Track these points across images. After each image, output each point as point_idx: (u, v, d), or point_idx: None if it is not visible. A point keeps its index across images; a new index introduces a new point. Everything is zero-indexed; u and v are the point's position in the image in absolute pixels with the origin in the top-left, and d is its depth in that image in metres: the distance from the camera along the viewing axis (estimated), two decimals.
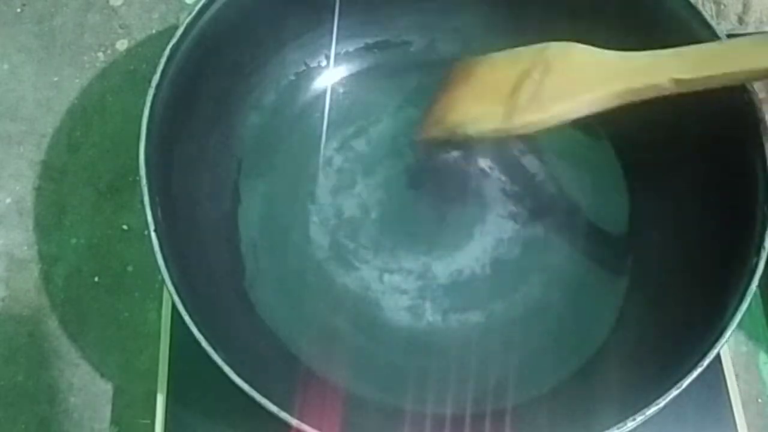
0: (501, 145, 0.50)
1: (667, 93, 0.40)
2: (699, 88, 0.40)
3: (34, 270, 0.52)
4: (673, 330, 0.42)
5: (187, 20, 0.44)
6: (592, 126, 0.51)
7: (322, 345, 0.46)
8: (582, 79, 0.43)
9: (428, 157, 0.50)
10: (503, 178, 0.50)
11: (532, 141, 0.51)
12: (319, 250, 0.48)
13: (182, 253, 0.41)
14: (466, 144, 0.49)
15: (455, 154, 0.51)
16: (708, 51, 0.41)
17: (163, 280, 0.38)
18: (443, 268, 0.48)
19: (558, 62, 0.44)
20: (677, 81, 0.40)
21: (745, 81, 0.41)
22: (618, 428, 0.36)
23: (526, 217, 0.49)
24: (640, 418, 0.36)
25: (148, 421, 0.47)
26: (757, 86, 0.42)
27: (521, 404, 0.44)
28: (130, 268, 0.52)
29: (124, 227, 0.53)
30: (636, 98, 0.41)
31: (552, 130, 0.44)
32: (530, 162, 0.51)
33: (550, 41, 0.45)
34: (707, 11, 0.46)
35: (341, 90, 0.53)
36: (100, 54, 0.59)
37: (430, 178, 0.51)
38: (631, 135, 0.49)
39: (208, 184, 0.47)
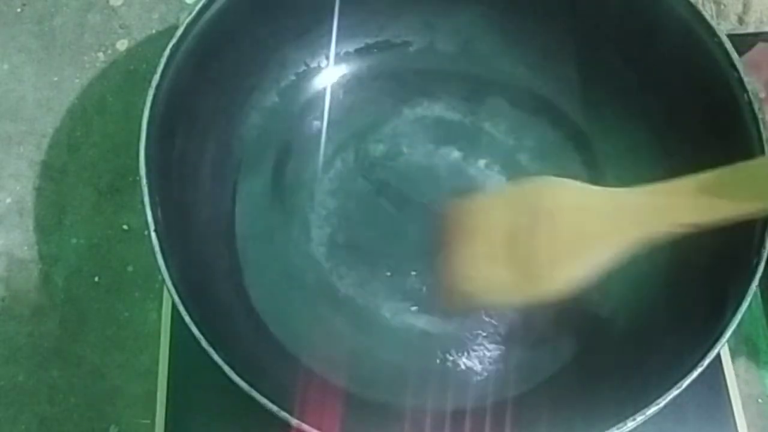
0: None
1: (684, 233, 0.36)
2: (724, 224, 0.36)
3: (34, 270, 0.52)
4: (673, 330, 0.42)
5: (187, 20, 0.44)
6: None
7: (322, 345, 0.46)
8: (582, 230, 0.38)
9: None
10: (503, 178, 0.50)
11: None
12: (319, 250, 0.48)
13: (182, 253, 0.41)
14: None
15: (455, 154, 0.51)
16: (727, 178, 0.36)
17: (163, 280, 0.38)
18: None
19: (550, 208, 0.39)
20: (693, 225, 0.36)
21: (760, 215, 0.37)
22: (618, 428, 0.36)
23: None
24: (640, 418, 0.36)
25: (148, 421, 0.47)
26: (758, 86, 0.42)
27: (521, 404, 0.44)
28: (130, 268, 0.52)
29: (124, 227, 0.53)
30: (649, 244, 0.37)
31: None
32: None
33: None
34: (707, 11, 0.46)
35: (341, 90, 0.53)
36: (100, 54, 0.59)
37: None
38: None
39: (208, 184, 0.47)
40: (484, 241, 0.41)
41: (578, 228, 0.38)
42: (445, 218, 0.43)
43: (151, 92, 0.42)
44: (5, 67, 0.59)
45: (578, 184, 0.40)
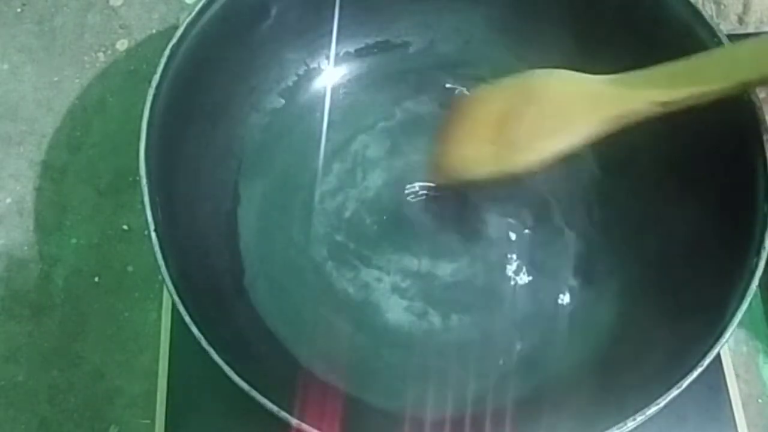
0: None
1: (657, 114, 0.40)
2: (690, 104, 0.40)
3: (34, 270, 0.52)
4: (673, 330, 0.42)
5: (187, 20, 0.44)
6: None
7: (322, 345, 0.46)
8: (566, 111, 0.43)
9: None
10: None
11: None
12: (319, 250, 0.48)
13: (182, 253, 0.41)
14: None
15: None
16: (694, 65, 0.40)
17: (163, 280, 0.38)
18: (443, 268, 0.48)
19: (540, 93, 0.44)
20: (664, 103, 0.40)
21: (741, 91, 0.40)
22: (618, 428, 0.36)
23: (528, 219, 0.49)
24: (640, 418, 0.36)
25: (148, 421, 0.47)
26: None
27: (521, 404, 0.44)
28: (130, 268, 0.52)
29: (124, 227, 0.53)
30: (625, 124, 0.41)
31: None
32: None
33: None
34: (707, 11, 0.46)
35: (341, 90, 0.53)
36: (101, 54, 0.59)
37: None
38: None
39: (208, 184, 0.47)
40: (477, 123, 0.45)
41: (561, 108, 0.43)
42: (448, 109, 0.48)
43: (151, 92, 0.42)
44: (5, 67, 0.59)
45: (567, 72, 0.44)
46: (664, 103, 0.40)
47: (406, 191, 0.50)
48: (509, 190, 0.50)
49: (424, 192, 0.50)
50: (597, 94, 0.42)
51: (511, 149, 0.43)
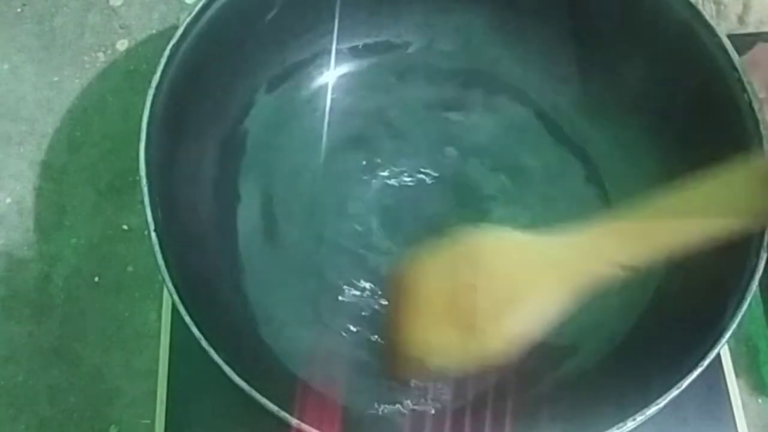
0: None
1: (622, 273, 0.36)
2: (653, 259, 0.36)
3: (34, 270, 0.52)
4: (673, 330, 0.42)
5: (187, 20, 0.44)
6: None
7: (322, 345, 0.46)
8: (520, 283, 0.37)
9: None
10: (505, 179, 0.50)
11: None
12: (319, 250, 0.48)
13: (182, 253, 0.41)
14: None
15: (455, 154, 0.51)
16: (646, 220, 0.36)
17: (163, 280, 0.38)
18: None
19: (485, 263, 0.38)
20: (621, 264, 0.36)
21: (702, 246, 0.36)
22: (618, 428, 0.36)
23: (529, 220, 0.49)
24: (640, 418, 0.36)
25: (148, 421, 0.47)
26: (757, 86, 0.42)
27: (521, 404, 0.44)
28: (130, 268, 0.52)
29: (124, 227, 0.53)
30: (590, 287, 0.37)
31: None
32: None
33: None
34: (707, 11, 0.46)
35: (341, 90, 0.53)
36: (101, 54, 0.59)
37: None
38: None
39: (208, 184, 0.47)
40: (427, 303, 0.39)
41: (516, 281, 0.37)
42: (387, 283, 0.42)
43: (151, 92, 0.42)
44: (5, 67, 0.59)
45: (513, 235, 0.39)
46: (633, 267, 0.36)
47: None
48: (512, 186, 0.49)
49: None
50: (551, 260, 0.37)
51: (475, 334, 0.37)
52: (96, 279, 0.52)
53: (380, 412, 0.44)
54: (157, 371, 0.45)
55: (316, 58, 0.53)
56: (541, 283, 0.37)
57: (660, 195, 0.36)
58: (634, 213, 0.37)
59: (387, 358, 0.42)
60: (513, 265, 0.38)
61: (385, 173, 0.50)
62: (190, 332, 0.37)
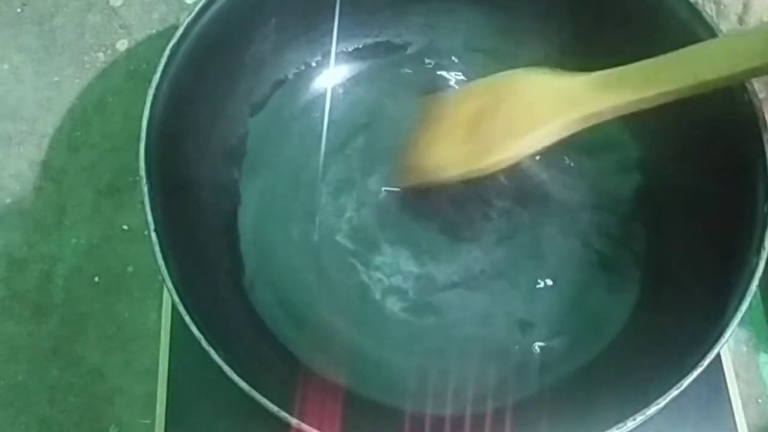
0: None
1: (631, 111, 0.41)
2: (663, 101, 0.40)
3: (34, 270, 0.52)
4: (673, 330, 0.42)
5: (187, 20, 0.44)
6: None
7: (322, 345, 0.46)
8: (537, 109, 0.43)
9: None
10: (504, 181, 0.50)
11: None
12: (320, 250, 0.48)
13: (182, 253, 0.41)
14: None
15: None
16: (664, 63, 0.40)
17: (163, 280, 0.38)
18: (443, 268, 0.48)
19: (512, 92, 0.44)
20: (637, 101, 0.40)
21: (716, 87, 0.40)
22: (618, 428, 0.36)
23: (529, 220, 0.49)
24: (640, 418, 0.36)
25: (148, 421, 0.47)
26: (758, 86, 0.42)
27: (521, 404, 0.44)
28: (130, 268, 0.52)
29: (124, 227, 0.53)
30: (597, 121, 0.42)
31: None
32: (531, 166, 0.51)
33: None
34: (707, 11, 0.46)
35: (341, 90, 0.53)
36: (101, 54, 0.59)
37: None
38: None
39: (208, 184, 0.47)
40: (450, 124, 0.46)
41: (532, 107, 0.43)
42: (423, 110, 0.48)
43: (151, 92, 0.42)
44: (5, 67, 0.59)
45: (540, 70, 0.45)
46: (638, 101, 0.40)
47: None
48: (512, 186, 0.50)
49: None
50: (569, 92, 0.42)
51: (483, 149, 0.44)
52: (96, 279, 0.52)
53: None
54: (157, 371, 0.45)
55: (316, 59, 0.53)
56: (552, 110, 0.43)
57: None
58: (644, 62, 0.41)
59: (399, 168, 0.49)
60: (532, 94, 0.44)
61: (386, 173, 0.50)
62: (190, 332, 0.37)
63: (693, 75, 0.39)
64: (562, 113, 0.42)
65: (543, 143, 0.43)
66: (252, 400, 0.36)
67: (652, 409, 0.36)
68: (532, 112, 0.43)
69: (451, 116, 0.47)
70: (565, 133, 0.43)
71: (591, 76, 0.42)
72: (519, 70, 0.45)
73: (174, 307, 0.38)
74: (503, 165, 0.44)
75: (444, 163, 0.46)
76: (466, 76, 0.53)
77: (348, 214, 0.49)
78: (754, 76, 0.40)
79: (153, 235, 0.39)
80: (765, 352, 0.50)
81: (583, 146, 0.49)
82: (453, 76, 0.54)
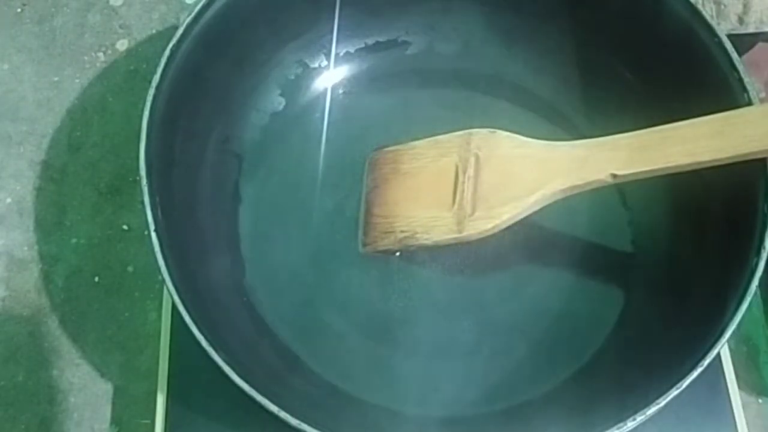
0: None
1: (608, 185, 0.40)
2: (642, 178, 0.39)
3: (34, 270, 0.52)
4: (673, 330, 0.42)
5: (187, 20, 0.44)
6: None
7: (323, 345, 0.46)
8: (521, 175, 0.42)
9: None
10: None
11: None
12: (320, 250, 0.48)
13: (182, 253, 0.41)
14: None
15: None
16: (646, 139, 0.40)
17: (163, 280, 0.38)
18: (442, 267, 0.48)
19: (489, 155, 0.43)
20: (615, 176, 0.40)
21: (693, 168, 0.39)
22: (618, 428, 0.36)
23: (527, 223, 0.49)
24: (640, 418, 0.36)
25: (148, 421, 0.47)
26: (758, 86, 0.42)
27: (521, 404, 0.44)
28: (130, 268, 0.52)
29: (124, 227, 0.53)
30: (577, 191, 0.41)
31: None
32: None
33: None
34: (707, 11, 0.46)
35: (341, 90, 0.53)
36: (101, 54, 0.59)
37: None
38: None
39: (208, 184, 0.47)
40: (424, 184, 0.44)
41: (513, 175, 0.42)
42: (381, 159, 0.47)
43: (151, 92, 0.42)
44: (5, 67, 0.59)
45: (508, 135, 0.44)
46: (615, 176, 0.40)
47: None
48: None
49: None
50: (546, 160, 0.42)
51: (467, 219, 0.43)
52: (96, 279, 0.52)
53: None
54: (157, 371, 0.45)
55: (316, 59, 0.53)
56: (540, 177, 0.42)
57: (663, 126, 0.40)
58: (634, 135, 0.40)
59: (369, 229, 0.47)
60: (512, 159, 0.43)
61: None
62: (190, 332, 0.37)
63: (688, 152, 0.38)
64: (543, 181, 0.41)
65: (528, 210, 0.42)
66: (252, 400, 0.36)
67: (652, 409, 0.36)
68: (512, 179, 0.42)
69: (420, 175, 0.45)
70: (549, 200, 0.42)
71: (570, 144, 0.42)
72: (483, 131, 0.44)
73: (174, 307, 0.38)
74: (487, 233, 0.43)
75: (429, 228, 0.44)
76: (466, 75, 0.53)
77: (349, 214, 0.49)
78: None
79: (153, 235, 0.39)
80: (765, 352, 0.50)
81: None
82: (453, 76, 0.54)
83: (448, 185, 0.44)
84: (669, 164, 0.39)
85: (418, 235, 0.44)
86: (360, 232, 0.47)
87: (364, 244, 0.47)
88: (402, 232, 0.45)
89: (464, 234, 0.43)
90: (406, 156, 0.46)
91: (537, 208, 0.42)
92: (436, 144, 0.46)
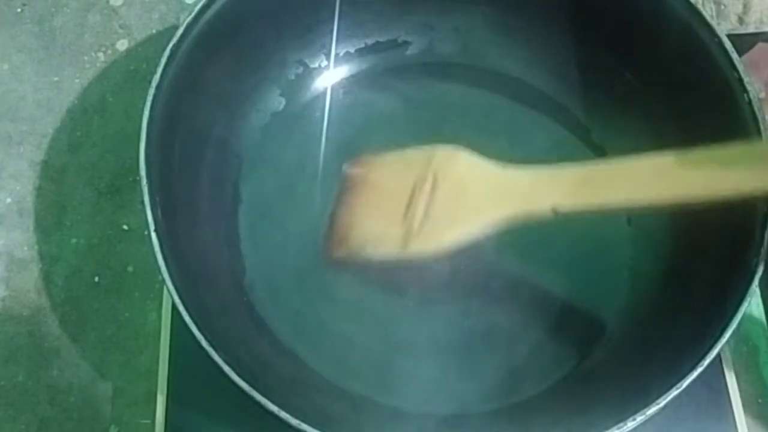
0: None
1: (555, 216, 0.40)
2: (588, 211, 0.39)
3: (34, 270, 0.52)
4: (673, 330, 0.42)
5: (187, 20, 0.44)
6: None
7: (322, 344, 0.46)
8: (469, 200, 0.42)
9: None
10: None
11: None
12: (320, 250, 0.48)
13: (182, 253, 0.41)
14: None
15: None
16: (593, 173, 0.39)
17: (163, 280, 0.38)
18: (442, 267, 0.48)
19: (445, 175, 0.43)
20: (558, 208, 0.39)
21: (640, 208, 0.39)
22: (618, 428, 0.36)
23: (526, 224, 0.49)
24: (640, 418, 0.36)
25: (148, 421, 0.47)
26: (758, 86, 0.42)
27: (521, 403, 0.44)
28: (130, 268, 0.52)
29: (124, 227, 0.53)
30: (524, 221, 0.41)
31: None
32: None
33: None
34: (707, 11, 0.46)
35: (341, 90, 0.53)
36: (101, 54, 0.59)
37: None
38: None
39: (208, 184, 0.47)
40: (383, 197, 0.44)
41: (467, 196, 0.42)
42: (349, 174, 0.46)
43: (151, 92, 0.42)
44: (5, 67, 0.59)
45: (470, 156, 0.43)
46: (559, 208, 0.39)
47: None
48: None
49: None
50: (498, 187, 0.41)
51: (414, 236, 0.42)
52: (96, 279, 0.52)
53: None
54: (157, 371, 0.45)
55: (316, 59, 0.53)
56: (487, 203, 0.41)
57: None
58: (580, 167, 0.40)
59: (328, 240, 0.46)
60: (469, 181, 0.42)
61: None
62: (190, 332, 0.37)
63: (630, 190, 0.38)
64: (497, 205, 0.41)
65: (480, 232, 0.41)
66: (252, 400, 0.36)
67: (652, 409, 0.36)
68: (466, 200, 0.42)
69: (381, 187, 0.45)
70: (500, 224, 0.41)
71: (527, 171, 0.41)
72: (445, 149, 0.43)
73: (174, 307, 0.38)
74: (431, 253, 0.42)
75: (377, 242, 0.44)
76: (466, 75, 0.53)
77: None
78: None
79: (153, 235, 0.39)
80: (765, 352, 0.50)
81: None
82: (453, 76, 0.54)
83: (403, 201, 0.43)
84: (613, 201, 0.38)
85: (368, 248, 0.44)
86: (321, 239, 0.47)
87: (324, 251, 0.46)
88: (354, 242, 0.44)
89: (407, 252, 0.42)
90: (375, 166, 0.46)
91: (481, 234, 0.41)
92: (401, 157, 0.45)
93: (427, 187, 0.43)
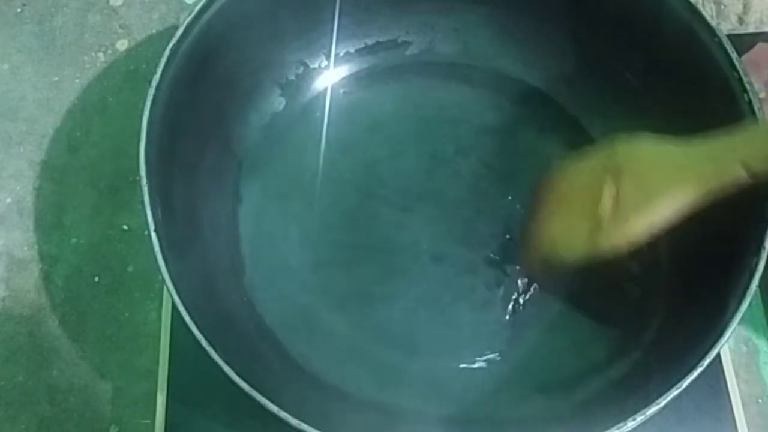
0: None
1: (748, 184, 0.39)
2: None
3: (34, 270, 0.52)
4: (673, 330, 0.42)
5: (187, 20, 0.44)
6: None
7: (322, 345, 0.46)
8: (661, 184, 0.41)
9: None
10: (499, 175, 0.50)
11: None
12: (320, 250, 0.48)
13: (182, 253, 0.41)
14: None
15: (453, 152, 0.51)
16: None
17: (163, 280, 0.38)
18: (442, 267, 0.48)
19: (629, 165, 0.42)
20: (750, 168, 0.38)
21: None
22: (618, 428, 0.36)
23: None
24: (640, 418, 0.36)
25: (148, 421, 0.47)
26: (758, 86, 0.42)
27: (522, 403, 0.44)
28: (130, 268, 0.52)
29: (124, 227, 0.53)
30: (717, 195, 0.40)
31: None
32: None
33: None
34: (707, 11, 0.46)
35: (341, 90, 0.53)
36: (101, 54, 0.59)
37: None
38: None
39: (208, 184, 0.47)
40: (572, 202, 0.44)
41: (655, 181, 0.41)
42: (537, 188, 0.46)
43: (151, 92, 0.42)
44: (5, 67, 0.59)
45: (650, 139, 0.43)
46: (755, 174, 0.38)
47: None
48: None
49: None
50: (688, 162, 0.41)
51: (609, 227, 0.42)
52: (96, 279, 0.52)
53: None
54: (157, 371, 0.45)
55: (316, 59, 0.53)
56: (674, 185, 0.41)
57: None
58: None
59: (523, 250, 0.47)
60: (651, 167, 0.42)
61: (386, 173, 0.50)
62: (190, 332, 0.37)
63: None
64: (686, 184, 0.40)
65: (671, 217, 0.41)
66: (252, 400, 0.36)
67: (652, 409, 0.36)
68: (654, 185, 0.41)
69: (568, 192, 0.45)
70: (684, 210, 0.40)
71: (710, 141, 0.40)
72: (625, 139, 0.43)
73: (174, 307, 0.38)
74: (627, 245, 0.42)
75: (565, 243, 0.44)
76: (466, 75, 0.53)
77: (349, 214, 0.49)
78: None
79: (153, 235, 0.39)
80: (765, 352, 0.50)
81: None
82: (454, 76, 0.54)
83: (590, 199, 0.43)
84: None
85: (559, 251, 0.44)
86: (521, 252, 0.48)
87: (523, 262, 0.48)
88: (546, 247, 0.45)
89: (600, 248, 0.42)
90: (563, 177, 0.46)
91: (672, 219, 0.41)
92: (586, 159, 0.45)
93: (612, 181, 0.42)
